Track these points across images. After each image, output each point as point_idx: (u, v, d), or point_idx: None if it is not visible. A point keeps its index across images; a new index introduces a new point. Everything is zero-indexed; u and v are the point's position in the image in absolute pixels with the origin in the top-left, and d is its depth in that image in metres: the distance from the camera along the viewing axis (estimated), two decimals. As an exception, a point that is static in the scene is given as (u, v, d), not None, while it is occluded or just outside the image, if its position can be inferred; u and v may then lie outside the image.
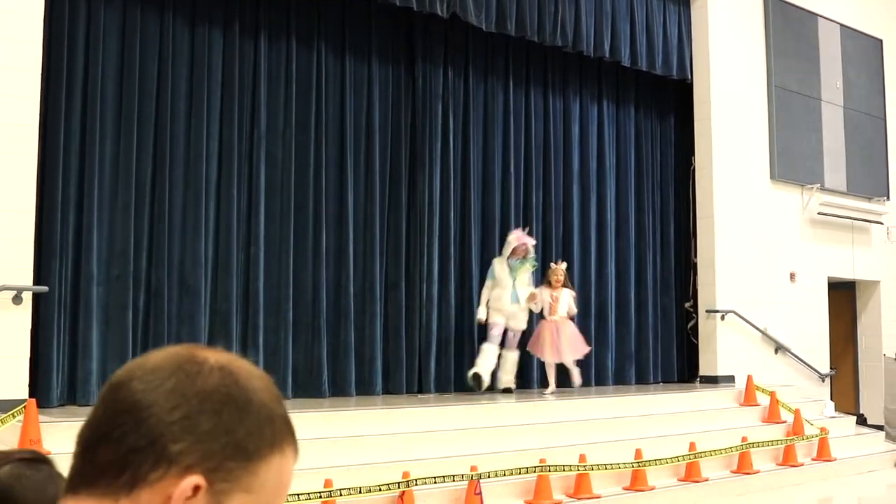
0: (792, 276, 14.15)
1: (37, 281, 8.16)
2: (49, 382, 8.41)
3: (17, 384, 7.67)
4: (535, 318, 11.44)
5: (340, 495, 7.08)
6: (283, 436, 1.03)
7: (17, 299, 7.79)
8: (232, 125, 9.96)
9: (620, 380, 13.01)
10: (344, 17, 10.88)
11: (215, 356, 1.03)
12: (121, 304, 9.02)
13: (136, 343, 9.15)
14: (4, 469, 1.60)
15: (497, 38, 11.97)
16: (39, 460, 1.68)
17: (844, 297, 15.57)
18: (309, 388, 10.15)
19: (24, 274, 7.88)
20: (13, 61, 7.92)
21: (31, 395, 7.56)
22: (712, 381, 12.72)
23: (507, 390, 10.85)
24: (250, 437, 0.99)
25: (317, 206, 10.45)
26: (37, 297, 8.22)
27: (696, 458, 9.50)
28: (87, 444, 1.00)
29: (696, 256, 13.56)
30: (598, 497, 8.53)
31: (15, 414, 7.08)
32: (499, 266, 10.84)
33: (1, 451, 1.73)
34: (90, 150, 8.99)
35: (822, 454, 11.13)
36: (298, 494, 6.79)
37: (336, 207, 10.66)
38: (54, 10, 8.71)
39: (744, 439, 10.20)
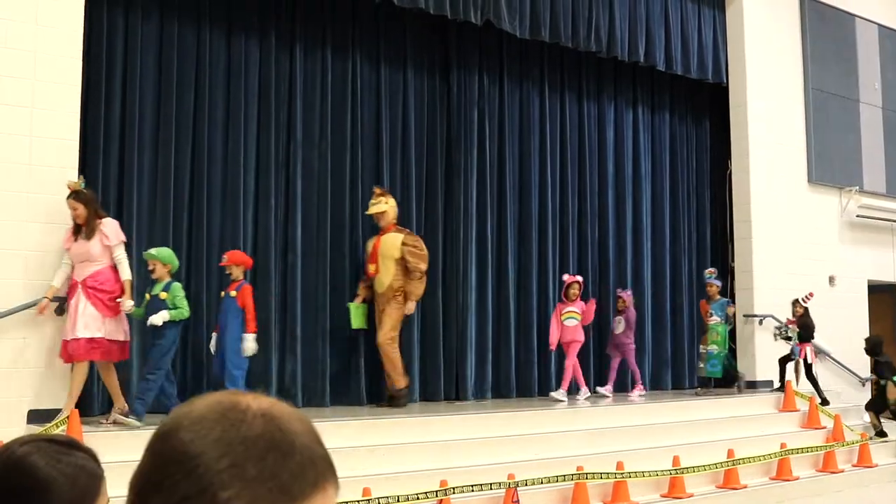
0: (831, 279, 14.03)
1: (79, 292, 8.27)
2: (91, 392, 8.53)
3: (60, 394, 7.79)
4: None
5: (378, 503, 7.13)
6: (324, 475, 1.07)
7: (59, 310, 7.91)
8: (269, 135, 10.05)
9: (657, 385, 12.98)
10: (378, 26, 10.94)
11: (257, 402, 1.07)
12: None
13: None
14: (26, 446, 1.63)
15: (531, 45, 11.98)
16: (74, 446, 1.69)
17: (885, 300, 15.40)
18: (346, 396, 10.21)
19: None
20: (55, 76, 8.05)
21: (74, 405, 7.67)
22: (751, 386, 12.64)
23: None
24: (294, 480, 1.03)
25: (353, 214, 10.52)
26: (79, 308, 8.34)
27: (734, 464, 9.45)
28: (140, 493, 1.04)
29: (733, 261, 13.48)
30: (636, 505, 8.53)
31: (59, 423, 7.20)
32: None
33: (36, 434, 1.75)
34: (129, 161, 9.12)
35: (863, 460, 11.02)
36: None
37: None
38: (93, 25, 8.85)
39: (783, 446, 10.13)
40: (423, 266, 9.92)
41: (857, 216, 14.37)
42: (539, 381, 11.77)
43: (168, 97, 9.45)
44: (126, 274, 7.89)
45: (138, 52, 9.27)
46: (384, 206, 9.94)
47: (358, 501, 7.00)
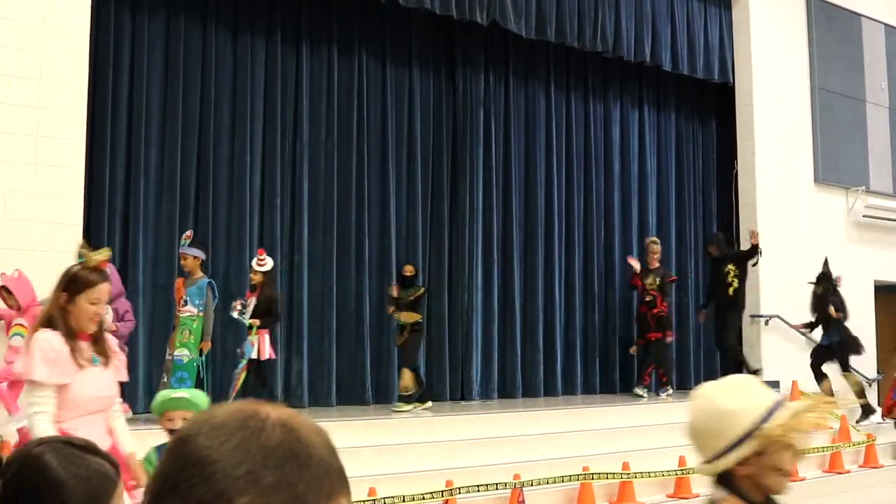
0: (837, 279, 13.96)
1: (85, 291, 8.26)
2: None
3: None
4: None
5: (384, 503, 7.13)
6: (338, 488, 1.08)
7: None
8: (275, 134, 10.06)
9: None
10: (384, 25, 10.94)
11: (277, 412, 1.08)
12: (167, 313, 9.12)
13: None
14: (42, 447, 1.64)
15: (537, 44, 11.97)
16: (90, 450, 1.70)
17: (891, 301, 15.36)
18: (352, 395, 10.22)
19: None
20: (61, 76, 8.05)
21: (80, 405, 7.66)
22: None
23: None
24: (309, 491, 1.04)
25: (359, 213, 10.52)
26: (85, 308, 8.33)
27: (740, 465, 9.41)
28: (156, 495, 1.05)
29: (738, 261, 13.44)
30: (642, 505, 8.52)
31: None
32: None
33: (55, 436, 1.78)
34: (136, 161, 9.14)
35: (870, 461, 10.99)
36: (343, 503, 6.82)
37: (378, 214, 10.73)
38: (100, 25, 8.86)
39: (789, 446, 10.09)
40: None
41: (864, 216, 14.34)
42: (545, 382, 11.75)
43: (174, 97, 9.47)
44: None
45: (145, 51, 9.29)
46: None
47: (364, 501, 6.99)
